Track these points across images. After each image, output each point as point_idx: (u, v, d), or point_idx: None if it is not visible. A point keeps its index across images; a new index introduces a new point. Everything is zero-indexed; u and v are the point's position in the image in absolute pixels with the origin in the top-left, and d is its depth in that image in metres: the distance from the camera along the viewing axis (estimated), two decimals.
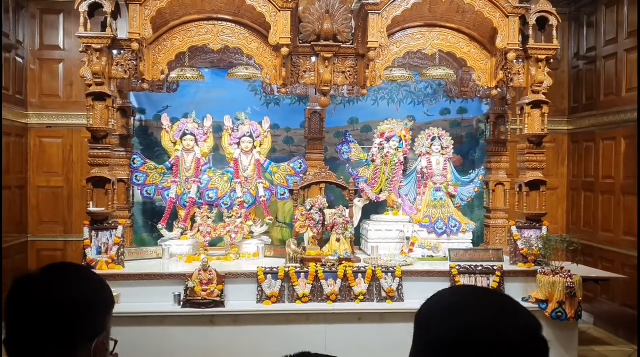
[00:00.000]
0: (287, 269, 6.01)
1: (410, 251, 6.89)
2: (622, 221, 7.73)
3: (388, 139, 7.29)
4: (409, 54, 6.96)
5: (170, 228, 7.15)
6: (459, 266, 6.20)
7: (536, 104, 6.51)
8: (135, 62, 6.17)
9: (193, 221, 7.06)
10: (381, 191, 7.30)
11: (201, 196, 7.18)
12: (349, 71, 6.47)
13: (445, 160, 7.38)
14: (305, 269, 6.05)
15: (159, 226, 7.12)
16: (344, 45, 6.37)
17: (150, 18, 5.92)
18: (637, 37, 7.42)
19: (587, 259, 7.93)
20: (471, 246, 7.08)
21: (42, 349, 1.64)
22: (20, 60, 8.16)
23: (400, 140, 7.31)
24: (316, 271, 6.01)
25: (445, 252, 6.76)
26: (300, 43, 6.38)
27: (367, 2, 6.04)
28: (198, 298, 5.75)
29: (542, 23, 6.51)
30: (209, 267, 5.81)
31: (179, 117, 7.57)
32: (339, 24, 6.29)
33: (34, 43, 8.36)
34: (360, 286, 6.02)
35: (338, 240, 6.48)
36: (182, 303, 5.79)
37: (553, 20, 6.45)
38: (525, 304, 5.33)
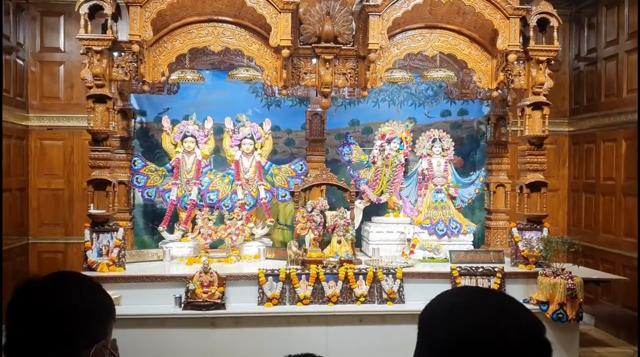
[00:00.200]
0: (288, 271, 6.02)
1: (411, 252, 6.89)
2: (623, 222, 7.73)
3: (389, 141, 7.29)
4: (409, 56, 6.96)
5: (171, 230, 7.15)
6: (459, 267, 6.21)
7: (537, 106, 6.51)
8: (135, 64, 6.17)
9: (194, 223, 7.05)
10: (382, 192, 7.30)
11: (202, 198, 7.18)
12: (349, 73, 6.47)
13: (445, 162, 7.38)
14: (306, 271, 6.05)
15: (160, 228, 7.12)
16: (345, 47, 6.37)
17: (151, 20, 5.92)
18: (637, 39, 7.42)
19: (588, 261, 7.94)
20: (472, 247, 7.08)
21: (41, 355, 1.65)
22: (21, 62, 8.17)
23: (401, 142, 7.31)
24: (317, 273, 6.01)
25: (446, 253, 6.76)
26: (300, 45, 6.39)
27: (367, 3, 6.05)
28: (199, 300, 5.76)
29: (542, 24, 6.51)
30: (209, 269, 5.82)
31: (179, 119, 7.58)
32: (340, 26, 6.30)
33: (35, 45, 8.37)
34: (361, 287, 6.01)
35: (339, 242, 6.48)
36: (183, 305, 5.79)
37: (554, 22, 6.45)
38: (526, 306, 5.35)
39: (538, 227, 6.56)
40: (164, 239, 7.14)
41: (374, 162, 7.35)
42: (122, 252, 6.18)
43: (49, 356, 1.65)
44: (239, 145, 7.24)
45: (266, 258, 6.84)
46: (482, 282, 6.16)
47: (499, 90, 6.73)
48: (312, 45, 6.27)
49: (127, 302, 5.77)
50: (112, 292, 5.60)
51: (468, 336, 1.37)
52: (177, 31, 6.34)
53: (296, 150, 8.09)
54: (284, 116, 8.04)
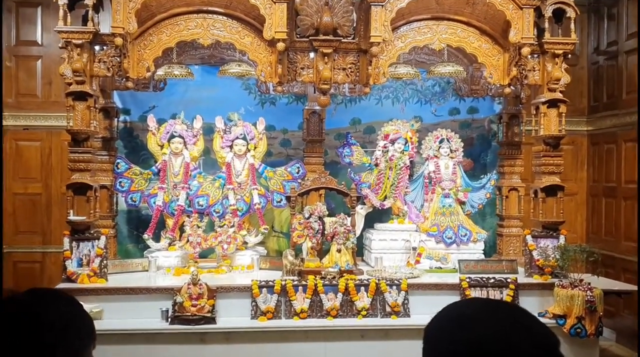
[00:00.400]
0: (283, 283, 6.01)
1: (417, 262, 6.89)
2: None
3: (393, 141, 7.30)
4: (414, 50, 6.97)
5: (157, 238, 7.15)
6: (469, 278, 6.20)
7: (553, 103, 6.51)
8: (118, 59, 6.18)
9: (182, 230, 7.06)
10: (385, 197, 7.31)
11: (190, 204, 7.18)
12: (350, 68, 6.48)
13: (454, 164, 7.39)
14: (304, 282, 6.05)
15: (145, 236, 7.11)
16: (345, 40, 6.37)
17: (135, 11, 5.93)
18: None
19: (609, 271, 7.93)
20: (482, 256, 7.08)
21: None
22: None
23: (406, 143, 7.32)
24: (315, 284, 6.00)
25: (455, 263, 6.76)
26: (297, 37, 6.39)
27: None
28: (187, 314, 5.75)
29: (558, 15, 6.52)
30: (199, 280, 5.81)
31: (166, 118, 7.58)
32: (339, 17, 6.30)
33: (10, 38, 8.36)
34: (363, 300, 6.01)
35: (339, 250, 6.48)
36: (170, 319, 5.78)
37: (571, 12, 6.46)
38: (541, 320, 5.35)
39: (554, 234, 6.56)
40: (149, 247, 7.13)
41: (376, 165, 7.36)
42: (104, 262, 6.17)
43: None
44: (231, 147, 7.24)
45: (260, 268, 6.83)
46: (494, 294, 6.16)
47: (512, 87, 6.73)
48: (310, 38, 6.28)
49: (110, 316, 5.76)
50: (94, 306, 5.62)
51: (477, 349, 1.37)
52: (163, 23, 6.35)
53: (292, 152, 8.10)
54: (279, 115, 8.05)
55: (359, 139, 7.88)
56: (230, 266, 6.77)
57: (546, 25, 6.44)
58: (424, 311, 5.94)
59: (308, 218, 6.56)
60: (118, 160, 7.21)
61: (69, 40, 6.06)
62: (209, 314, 5.77)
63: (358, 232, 7.05)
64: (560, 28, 6.61)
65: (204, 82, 7.79)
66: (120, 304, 5.87)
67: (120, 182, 7.17)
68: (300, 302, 5.95)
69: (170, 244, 7.05)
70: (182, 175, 7.20)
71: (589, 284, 5.98)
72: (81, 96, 6.13)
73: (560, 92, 6.52)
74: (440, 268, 6.85)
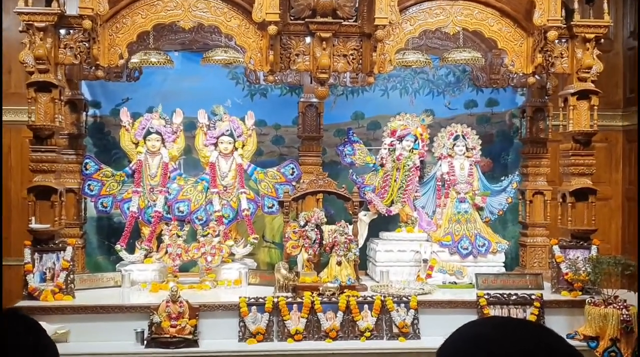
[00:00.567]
0: (276, 300, 6.01)
1: (428, 276, 6.90)
2: None
3: (400, 139, 7.30)
4: (425, 34, 6.98)
5: (131, 249, 7.14)
6: (488, 294, 6.20)
7: (583, 94, 6.52)
8: (87, 44, 6.17)
9: (159, 240, 7.05)
10: (392, 202, 7.31)
11: (169, 210, 7.17)
12: (351, 55, 6.48)
13: (471, 165, 7.40)
14: (299, 300, 6.05)
15: (118, 247, 7.10)
16: (346, 23, 6.37)
17: None
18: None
19: None
20: (503, 270, 7.10)
21: None
22: None
23: (416, 140, 7.33)
24: (312, 302, 6.00)
25: (472, 277, 6.77)
26: (291, 20, 6.38)
27: None
28: (166, 336, 5.74)
29: None
30: (179, 297, 5.80)
31: (141, 112, 7.57)
32: None
33: None
34: (367, 319, 6.01)
35: (339, 263, 6.48)
36: (146, 342, 5.77)
37: None
38: (570, 342, 5.36)
39: (585, 244, 6.57)
40: (122, 260, 7.12)
41: (382, 165, 7.37)
42: (71, 276, 6.16)
43: None
44: (215, 145, 7.24)
45: (249, 284, 6.83)
46: (516, 313, 6.16)
47: (537, 76, 6.74)
48: (306, 20, 6.27)
49: (77, 338, 5.76)
50: (58, 326, 5.62)
51: None
52: (138, 3, 6.35)
53: (286, 150, 8.10)
54: (271, 108, 8.06)
55: (362, 135, 7.89)
56: (214, 281, 6.77)
57: (575, 5, 6.46)
58: (436, 332, 5.92)
59: (304, 226, 6.56)
60: (87, 160, 7.21)
61: (31, 22, 6.06)
62: (190, 336, 5.76)
63: (361, 242, 7.05)
64: (591, 9, 6.64)
65: (184, 70, 7.80)
66: (89, 325, 5.85)
67: (89, 185, 7.17)
68: (295, 322, 5.95)
69: (146, 256, 7.04)
70: (159, 178, 7.20)
71: (625, 301, 5.98)
72: (44, 87, 6.13)
73: (592, 82, 6.53)
74: (455, 283, 6.85)
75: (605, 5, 6.49)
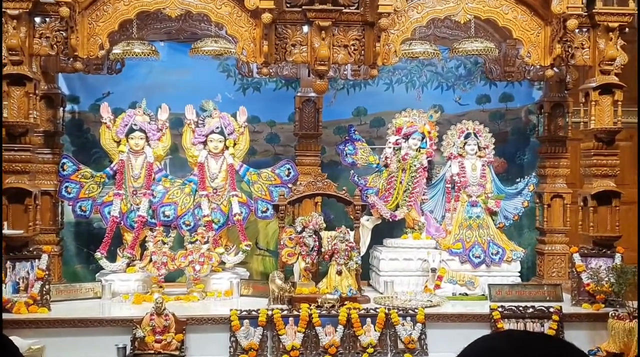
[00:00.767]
0: (270, 312, 6.00)
1: (437, 287, 6.89)
2: None
3: (406, 137, 7.30)
4: (434, 22, 6.98)
5: (112, 257, 7.14)
6: (502, 307, 6.20)
7: (606, 89, 6.53)
8: (64, 34, 6.18)
9: (143, 247, 7.05)
10: (397, 206, 7.31)
11: (154, 214, 7.17)
12: (353, 45, 6.48)
13: (483, 165, 7.40)
14: (295, 312, 6.04)
15: (98, 255, 7.10)
16: (347, 10, 6.38)
17: None
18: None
19: None
20: (519, 280, 7.09)
21: None
22: None
23: (423, 138, 7.33)
24: (310, 315, 6.00)
25: (484, 288, 6.77)
26: (287, 7, 6.40)
27: None
28: (150, 351, 5.74)
29: None
30: (164, 310, 5.80)
31: (124, 107, 7.57)
32: None
33: None
34: (369, 334, 6.01)
35: (339, 273, 6.47)
36: None
37: None
38: None
39: (608, 252, 6.57)
40: (102, 269, 7.13)
41: (386, 166, 7.36)
42: (47, 287, 6.16)
43: None
44: (205, 143, 7.24)
45: (241, 295, 6.83)
46: (533, 327, 6.16)
47: (555, 69, 6.74)
48: (303, 7, 6.28)
49: (53, 354, 5.74)
50: (32, 342, 5.60)
51: None
52: None
53: (281, 150, 8.11)
54: (265, 103, 8.07)
55: (365, 133, 7.90)
56: (203, 292, 6.77)
57: None
58: (445, 348, 5.94)
59: (301, 232, 6.56)
60: (64, 160, 7.20)
61: (3, 10, 6.05)
62: (176, 352, 5.76)
63: (363, 250, 7.06)
64: None
65: (171, 62, 7.81)
66: (66, 340, 5.84)
67: (66, 187, 7.16)
68: (291, 337, 5.94)
69: (128, 265, 7.04)
70: (143, 179, 7.19)
71: None
72: (18, 80, 6.12)
73: (615, 75, 6.54)
74: (466, 295, 6.85)
75: None
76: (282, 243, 6.61)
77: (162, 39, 7.64)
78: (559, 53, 6.47)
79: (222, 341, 5.94)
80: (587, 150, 6.76)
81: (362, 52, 6.50)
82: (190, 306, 6.43)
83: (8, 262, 6.11)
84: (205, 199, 7.16)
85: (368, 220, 7.26)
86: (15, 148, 6.19)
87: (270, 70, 6.91)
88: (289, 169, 7.41)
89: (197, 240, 6.84)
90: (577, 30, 6.42)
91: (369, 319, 6.06)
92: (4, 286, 6.06)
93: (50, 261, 6.33)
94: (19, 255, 6.15)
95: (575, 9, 6.25)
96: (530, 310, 6.21)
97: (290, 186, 7.23)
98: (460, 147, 7.42)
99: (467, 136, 7.44)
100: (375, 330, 6.02)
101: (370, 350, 5.98)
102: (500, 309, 6.16)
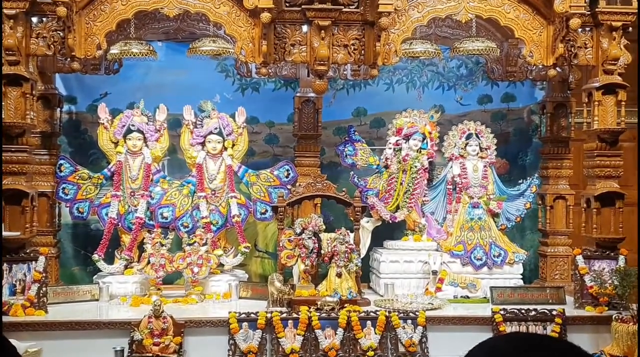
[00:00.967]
0: (269, 315, 6.01)
1: (438, 289, 6.89)
2: None
3: (407, 137, 7.30)
4: (434, 21, 6.98)
5: (109, 260, 7.15)
6: (504, 310, 6.20)
7: (609, 89, 6.53)
8: (62, 34, 6.18)
9: (141, 249, 7.05)
10: (398, 207, 7.31)
11: (152, 216, 7.18)
12: (353, 45, 6.49)
13: (485, 166, 7.40)
14: (295, 315, 6.04)
15: (95, 257, 7.10)
16: (347, 10, 6.38)
17: None
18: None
19: None
20: (521, 282, 7.09)
21: None
22: None
23: (424, 139, 7.33)
24: (309, 318, 6.00)
25: (486, 291, 6.77)
26: (286, 6, 6.40)
27: None
28: (148, 355, 5.74)
29: None
30: (162, 312, 5.81)
31: (121, 108, 7.58)
32: None
33: None
34: (370, 337, 6.01)
35: (339, 275, 6.48)
36: None
37: None
38: None
39: (612, 254, 6.56)
40: (100, 271, 7.13)
41: (386, 167, 7.37)
42: (44, 289, 6.16)
43: None
44: (203, 144, 7.24)
45: (240, 297, 6.83)
46: (536, 330, 6.17)
47: (558, 68, 6.74)
48: (302, 6, 6.28)
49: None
50: (29, 344, 5.61)
51: None
52: None
53: (280, 150, 8.11)
54: (263, 104, 8.07)
55: (364, 134, 7.90)
56: (202, 294, 6.78)
57: None
58: (446, 351, 5.95)
59: (300, 234, 6.56)
60: (61, 161, 7.21)
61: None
62: (174, 355, 5.77)
63: (363, 252, 7.06)
64: None
65: (169, 62, 7.82)
66: (63, 342, 5.85)
67: (63, 188, 7.17)
68: (291, 340, 5.94)
69: (126, 267, 7.05)
70: (141, 180, 7.20)
71: None
72: (15, 80, 6.13)
73: (619, 74, 6.54)
74: (468, 297, 6.85)
75: None
76: (281, 245, 6.61)
77: (160, 39, 7.65)
78: (561, 52, 6.47)
79: (220, 344, 5.94)
80: (590, 151, 6.76)
81: (362, 51, 6.51)
82: (189, 309, 6.44)
83: (5, 264, 6.11)
84: (204, 200, 7.16)
85: (368, 222, 7.26)
86: (12, 149, 6.19)
87: (269, 71, 6.91)
88: (288, 170, 7.41)
89: (195, 242, 6.84)
90: (580, 30, 6.42)
91: (369, 322, 6.06)
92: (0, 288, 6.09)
93: (48, 263, 6.33)
94: (15, 257, 6.15)
95: (578, 8, 6.25)
96: (533, 313, 6.21)
97: (289, 187, 7.23)
98: (462, 148, 7.42)
99: (468, 137, 7.44)
100: (375, 333, 6.02)
101: (371, 353, 5.97)
102: (502, 312, 6.16)
